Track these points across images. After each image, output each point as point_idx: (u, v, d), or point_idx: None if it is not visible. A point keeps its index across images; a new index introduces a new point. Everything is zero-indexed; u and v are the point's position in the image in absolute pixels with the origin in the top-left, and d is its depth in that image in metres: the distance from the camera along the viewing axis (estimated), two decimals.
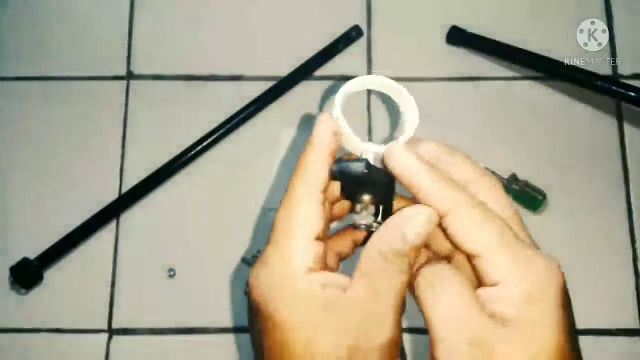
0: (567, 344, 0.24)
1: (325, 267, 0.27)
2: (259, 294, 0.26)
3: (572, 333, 0.24)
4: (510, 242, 0.25)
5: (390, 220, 0.27)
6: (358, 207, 0.29)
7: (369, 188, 0.28)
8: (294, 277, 0.25)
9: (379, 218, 0.29)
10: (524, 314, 0.24)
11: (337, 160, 0.28)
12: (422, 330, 0.56)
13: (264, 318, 0.26)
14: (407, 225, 0.26)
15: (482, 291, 0.25)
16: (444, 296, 0.25)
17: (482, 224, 0.25)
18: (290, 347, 0.25)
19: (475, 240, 0.25)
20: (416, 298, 0.26)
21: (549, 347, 0.23)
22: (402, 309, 0.26)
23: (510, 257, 0.24)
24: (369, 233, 0.29)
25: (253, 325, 0.27)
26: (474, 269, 0.26)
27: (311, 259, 0.26)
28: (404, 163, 0.27)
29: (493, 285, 0.25)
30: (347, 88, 0.29)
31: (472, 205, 0.26)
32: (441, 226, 0.26)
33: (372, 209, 0.29)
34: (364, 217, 0.29)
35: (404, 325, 0.56)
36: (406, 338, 0.56)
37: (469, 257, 0.26)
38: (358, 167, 0.27)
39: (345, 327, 0.25)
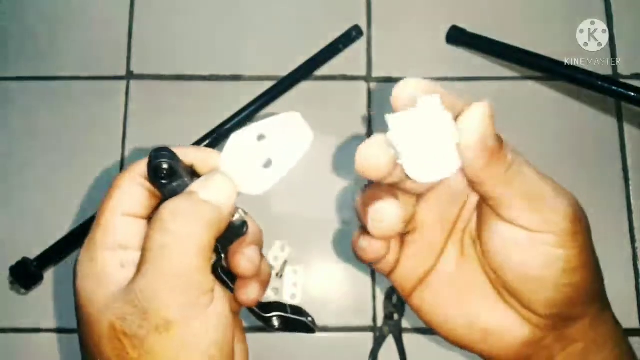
0: None
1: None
2: (74, 272, 0.27)
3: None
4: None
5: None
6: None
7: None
8: (97, 253, 0.26)
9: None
10: None
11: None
12: (423, 330, 0.56)
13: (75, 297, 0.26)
14: (199, 181, 0.26)
15: None
16: (529, 168, 0.27)
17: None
18: (80, 320, 0.26)
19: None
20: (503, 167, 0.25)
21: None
22: (187, 290, 0.24)
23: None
24: None
25: None
26: None
27: (117, 234, 0.26)
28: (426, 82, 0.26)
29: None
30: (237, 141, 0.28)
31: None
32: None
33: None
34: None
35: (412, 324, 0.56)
36: (409, 338, 0.56)
37: None
38: None
39: (123, 308, 0.24)
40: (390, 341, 0.56)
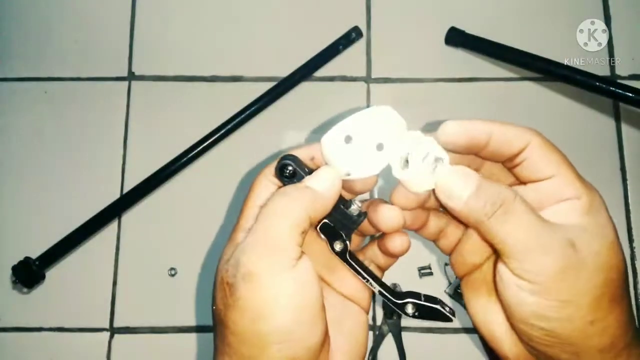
0: (619, 240, 0.30)
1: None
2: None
3: (617, 231, 0.30)
4: (570, 164, 0.30)
5: None
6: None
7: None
8: (234, 236, 0.30)
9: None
10: (594, 219, 0.29)
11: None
12: (423, 329, 0.57)
13: None
14: (310, 176, 0.31)
15: (554, 207, 0.29)
16: (516, 211, 0.28)
17: (555, 149, 0.30)
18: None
19: (552, 162, 0.30)
20: (484, 222, 0.28)
21: (612, 240, 0.29)
22: (273, 252, 0.28)
23: (577, 177, 0.30)
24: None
25: None
26: (535, 190, 0.30)
27: (251, 220, 0.31)
28: (469, 123, 0.30)
29: (564, 200, 0.29)
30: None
31: (543, 136, 0.30)
32: (513, 161, 0.30)
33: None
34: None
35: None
36: (408, 337, 0.57)
37: (533, 182, 0.30)
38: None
39: (229, 261, 0.29)
40: (389, 340, 0.56)
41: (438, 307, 0.32)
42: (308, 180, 0.31)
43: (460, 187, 0.29)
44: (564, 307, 0.26)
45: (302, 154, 0.32)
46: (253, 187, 0.32)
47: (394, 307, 0.32)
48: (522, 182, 0.30)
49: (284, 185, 0.31)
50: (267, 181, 0.32)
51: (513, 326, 0.29)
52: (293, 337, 0.27)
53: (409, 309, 0.32)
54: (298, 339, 0.27)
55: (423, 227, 0.34)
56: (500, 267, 0.28)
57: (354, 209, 0.32)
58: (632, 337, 0.28)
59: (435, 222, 0.34)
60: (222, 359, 0.29)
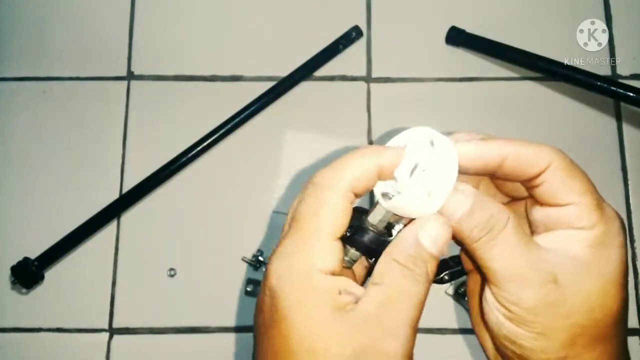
0: (624, 280, 0.27)
1: (343, 267, 0.28)
2: (277, 285, 0.26)
3: (626, 269, 0.27)
4: (594, 190, 0.27)
5: (406, 228, 0.27)
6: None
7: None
8: (315, 278, 0.26)
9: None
10: (599, 253, 0.26)
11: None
12: (423, 330, 0.57)
13: (277, 309, 0.25)
14: (422, 230, 0.27)
15: (563, 231, 0.27)
16: (503, 239, 0.26)
17: (578, 172, 0.27)
18: (293, 346, 0.25)
19: (573, 190, 0.27)
20: (470, 245, 0.27)
21: (611, 279, 0.26)
22: (416, 321, 0.26)
23: (598, 205, 0.27)
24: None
25: (262, 313, 0.27)
26: (549, 215, 0.28)
27: (334, 261, 0.26)
28: (484, 147, 0.27)
29: (576, 228, 0.27)
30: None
31: (566, 157, 0.27)
32: (531, 182, 0.28)
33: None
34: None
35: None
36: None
37: (549, 205, 0.27)
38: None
39: (351, 338, 0.25)
40: None
41: (460, 268, 0.33)
42: (426, 243, 0.27)
43: (454, 206, 0.27)
44: (537, 339, 0.26)
45: (386, 165, 0.27)
46: (324, 208, 0.26)
47: (434, 283, 0.32)
48: (539, 204, 0.28)
49: (356, 245, 0.28)
50: (344, 201, 0.26)
51: (491, 339, 0.30)
52: None
53: (446, 277, 0.33)
54: None
55: None
56: (486, 285, 0.28)
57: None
58: None
59: None
60: None
